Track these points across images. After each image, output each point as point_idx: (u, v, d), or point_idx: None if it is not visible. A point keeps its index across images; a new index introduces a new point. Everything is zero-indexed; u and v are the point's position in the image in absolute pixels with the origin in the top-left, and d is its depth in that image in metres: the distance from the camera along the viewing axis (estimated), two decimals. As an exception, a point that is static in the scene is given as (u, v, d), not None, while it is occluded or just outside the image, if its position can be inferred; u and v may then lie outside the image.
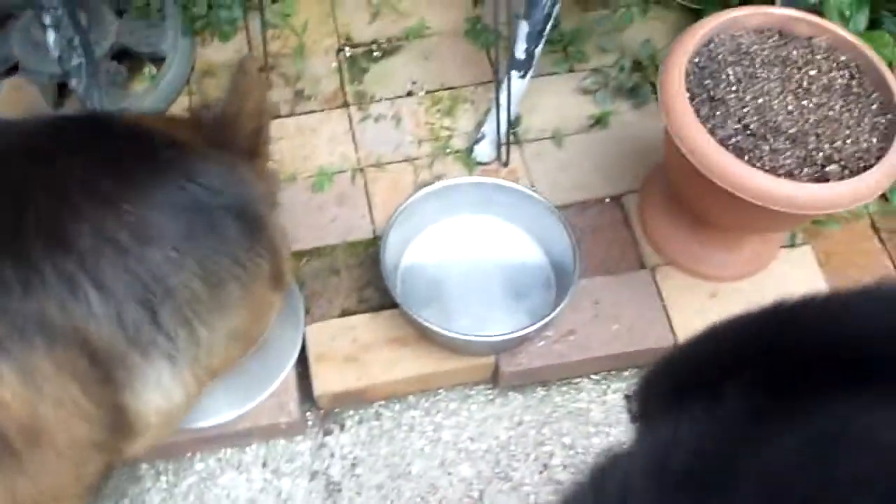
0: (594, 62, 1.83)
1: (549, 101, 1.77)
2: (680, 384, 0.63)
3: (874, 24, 1.65)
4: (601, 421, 1.55)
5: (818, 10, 1.53)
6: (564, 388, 1.58)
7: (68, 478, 0.91)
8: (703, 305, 1.57)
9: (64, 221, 0.85)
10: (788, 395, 0.53)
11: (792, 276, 1.61)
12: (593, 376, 1.58)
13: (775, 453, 0.50)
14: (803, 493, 0.47)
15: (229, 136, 1.08)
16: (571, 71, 1.83)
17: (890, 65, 1.53)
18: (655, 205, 1.63)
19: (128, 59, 1.76)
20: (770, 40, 1.41)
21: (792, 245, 1.65)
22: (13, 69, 1.68)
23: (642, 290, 1.58)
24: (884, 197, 1.72)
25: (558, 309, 1.43)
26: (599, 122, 1.76)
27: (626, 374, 1.59)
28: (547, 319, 1.42)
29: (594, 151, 1.73)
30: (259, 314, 1.14)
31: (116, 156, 0.94)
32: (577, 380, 1.58)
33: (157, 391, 0.97)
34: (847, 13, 1.61)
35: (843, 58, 1.40)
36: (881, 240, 1.70)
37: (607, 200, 1.69)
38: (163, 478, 1.47)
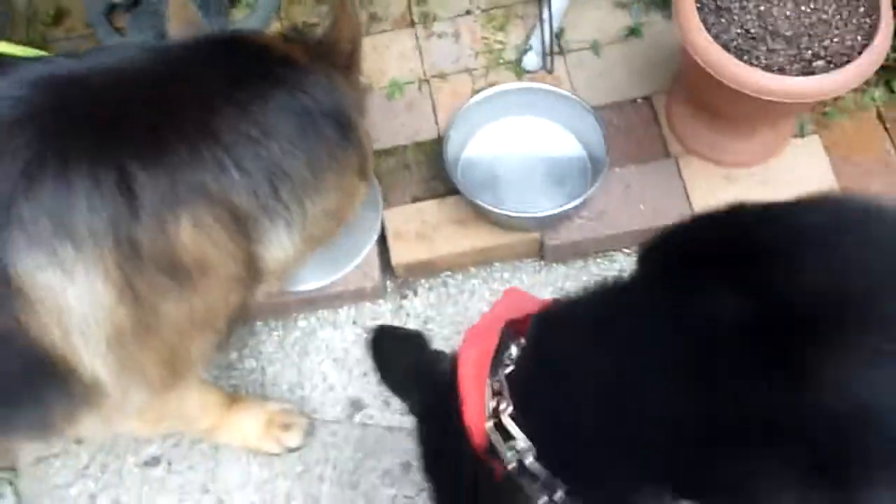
0: (631, -23, 2.06)
1: (590, 14, 2.02)
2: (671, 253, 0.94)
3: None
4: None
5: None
6: (600, 260, 1.88)
7: (222, 301, 1.26)
8: (719, 187, 1.83)
9: (213, 120, 1.18)
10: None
11: (800, 162, 1.86)
12: (625, 250, 1.88)
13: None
14: None
15: (330, 55, 1.37)
16: (608, -13, 2.07)
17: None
18: (679, 102, 1.89)
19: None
20: (771, -46, 1.63)
21: (802, 135, 1.88)
22: (135, 3, 2.03)
23: (666, 176, 1.86)
24: (890, 89, 1.93)
25: (591, 189, 1.72)
26: (634, 32, 2.01)
27: (653, 248, 1.88)
28: (581, 199, 1.71)
29: (628, 58, 1.99)
30: (349, 197, 1.44)
31: (246, 70, 1.25)
32: (612, 252, 1.88)
33: (277, 246, 1.30)
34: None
35: (837, -34, 1.61)
36: (885, 128, 1.92)
37: (639, 101, 1.95)
38: (274, 333, 1.85)
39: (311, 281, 1.77)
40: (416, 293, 1.87)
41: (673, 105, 1.91)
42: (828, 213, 0.84)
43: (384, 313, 1.86)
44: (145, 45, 1.28)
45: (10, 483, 1.73)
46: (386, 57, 2.03)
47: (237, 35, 1.35)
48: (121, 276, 1.08)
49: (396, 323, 1.83)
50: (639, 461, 0.86)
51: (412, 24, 2.07)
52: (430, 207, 1.85)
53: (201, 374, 1.48)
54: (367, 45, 2.03)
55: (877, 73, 1.89)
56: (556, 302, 1.06)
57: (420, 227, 1.83)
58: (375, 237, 1.81)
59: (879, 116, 1.93)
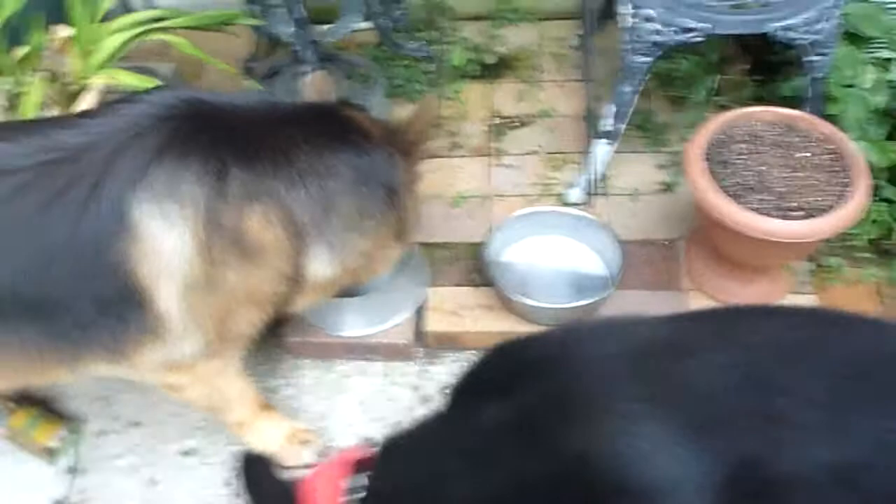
0: (674, 147, 2.44)
1: (633, 168, 2.41)
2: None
3: (891, 136, 2.16)
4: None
5: (833, 119, 2.08)
6: (605, 367, 2.13)
7: (270, 286, 1.59)
8: (719, 322, 2.09)
9: (295, 152, 1.56)
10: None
11: (795, 313, 2.10)
12: (628, 362, 2.13)
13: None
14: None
15: (400, 140, 1.76)
16: (656, 151, 2.46)
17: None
18: (695, 246, 2.20)
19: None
20: (776, 128, 1.99)
21: (800, 293, 2.14)
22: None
23: (675, 305, 2.14)
24: (890, 266, 2.17)
25: (607, 293, 2.02)
26: (668, 188, 2.36)
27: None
28: (595, 299, 2.01)
29: (660, 207, 2.33)
30: (382, 249, 1.78)
31: (330, 129, 1.66)
32: (615, 362, 2.13)
33: (318, 262, 1.64)
34: (864, 125, 2.14)
35: (830, 146, 1.94)
36: (882, 303, 2.14)
37: (664, 242, 2.27)
38: (315, 370, 2.17)
39: (356, 328, 2.11)
40: (441, 362, 2.16)
41: (691, 248, 2.22)
42: (558, 338, 1.27)
43: (411, 373, 2.15)
44: (269, 98, 1.74)
45: (73, 446, 2.07)
46: (459, 175, 2.46)
47: (336, 106, 1.77)
48: (203, 238, 1.46)
49: (418, 383, 2.12)
50: None
51: (487, 154, 2.51)
52: (466, 292, 2.18)
53: (241, 359, 1.78)
54: (446, 164, 2.48)
55: (880, 253, 2.17)
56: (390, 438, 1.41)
57: (455, 307, 2.16)
58: (416, 307, 2.15)
59: (878, 292, 2.16)
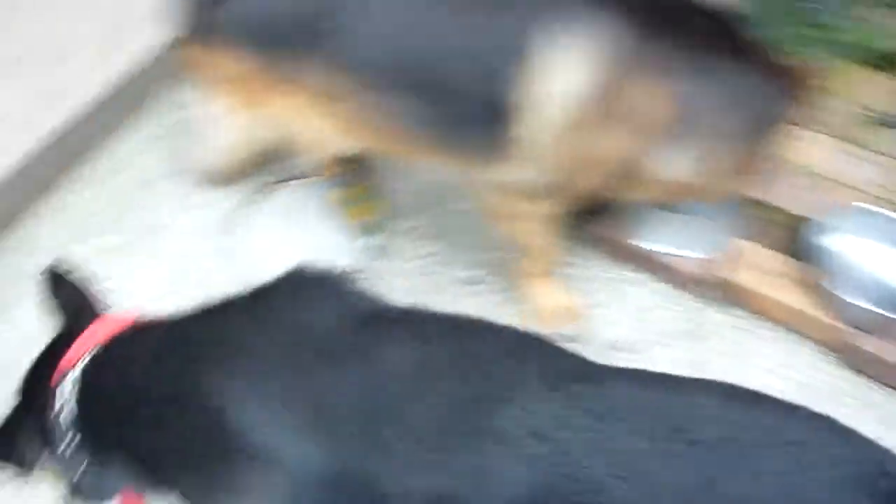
0: None
1: None
2: None
3: None
4: None
5: None
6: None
7: (614, 155, 1.63)
8: None
9: (699, 52, 1.60)
10: None
11: None
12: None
13: None
14: None
15: (787, 79, 1.68)
16: None
17: None
18: None
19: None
20: None
21: None
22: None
23: None
24: None
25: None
26: None
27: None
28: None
29: None
30: (724, 175, 1.73)
31: (735, 45, 1.65)
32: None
33: (667, 160, 1.65)
34: None
35: None
36: None
37: None
38: (600, 264, 2.25)
39: (658, 243, 2.15)
40: (722, 311, 2.16)
41: None
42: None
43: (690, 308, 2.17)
44: None
45: (383, 232, 2.32)
46: (810, 151, 2.36)
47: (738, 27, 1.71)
48: (598, 87, 1.55)
49: (689, 317, 2.14)
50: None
51: (852, 141, 2.38)
52: (782, 260, 2.13)
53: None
54: (808, 134, 2.38)
55: None
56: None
57: (763, 269, 2.12)
58: (723, 249, 2.14)
59: None
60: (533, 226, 1.89)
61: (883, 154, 2.35)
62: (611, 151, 1.65)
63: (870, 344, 1.99)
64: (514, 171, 1.70)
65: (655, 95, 1.58)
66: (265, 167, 2.41)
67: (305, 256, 1.32)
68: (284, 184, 2.42)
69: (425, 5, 1.63)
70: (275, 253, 2.28)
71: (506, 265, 2.14)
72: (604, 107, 1.58)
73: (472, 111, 1.63)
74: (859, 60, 2.58)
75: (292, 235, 2.32)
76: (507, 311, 2.12)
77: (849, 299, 1.98)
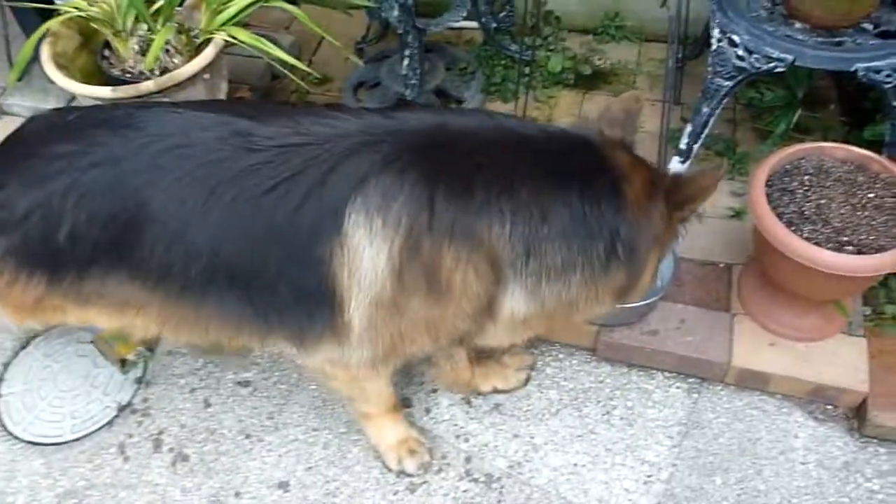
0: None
1: (706, 192, 2.45)
2: None
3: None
4: (659, 401, 2.15)
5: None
6: (641, 374, 2.20)
7: (450, 322, 1.57)
8: (761, 349, 2.13)
9: (512, 191, 1.46)
10: None
11: (840, 354, 2.11)
12: (665, 372, 2.19)
13: None
14: None
15: (671, 192, 1.56)
16: (732, 179, 2.50)
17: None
18: (750, 273, 2.24)
19: (443, 96, 2.74)
20: (845, 166, 2.01)
21: (851, 333, 2.14)
22: (375, 85, 2.75)
23: (719, 325, 2.18)
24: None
25: (652, 298, 2.09)
26: (737, 215, 2.41)
27: (690, 380, 2.18)
28: (640, 304, 2.07)
29: (725, 232, 2.38)
30: (589, 303, 1.60)
31: (564, 168, 1.51)
32: (653, 371, 2.20)
33: (512, 301, 1.55)
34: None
35: (897, 189, 1.96)
36: (934, 357, 2.12)
37: (721, 265, 2.32)
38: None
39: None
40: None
41: (745, 273, 2.26)
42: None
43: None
44: (520, 123, 1.66)
45: (145, 360, 2.29)
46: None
47: (590, 138, 1.59)
48: (398, 260, 1.47)
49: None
50: None
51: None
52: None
53: (394, 374, 1.88)
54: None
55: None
56: None
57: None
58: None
59: (932, 346, 2.14)
60: (363, 384, 1.87)
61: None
62: (436, 320, 1.59)
63: (609, 337, 2.17)
64: (342, 349, 1.66)
65: (463, 261, 1.50)
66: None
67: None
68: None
69: (232, 206, 1.54)
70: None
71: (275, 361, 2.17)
72: (415, 281, 1.52)
73: (290, 298, 1.59)
74: (560, 84, 2.83)
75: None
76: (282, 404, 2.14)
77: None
